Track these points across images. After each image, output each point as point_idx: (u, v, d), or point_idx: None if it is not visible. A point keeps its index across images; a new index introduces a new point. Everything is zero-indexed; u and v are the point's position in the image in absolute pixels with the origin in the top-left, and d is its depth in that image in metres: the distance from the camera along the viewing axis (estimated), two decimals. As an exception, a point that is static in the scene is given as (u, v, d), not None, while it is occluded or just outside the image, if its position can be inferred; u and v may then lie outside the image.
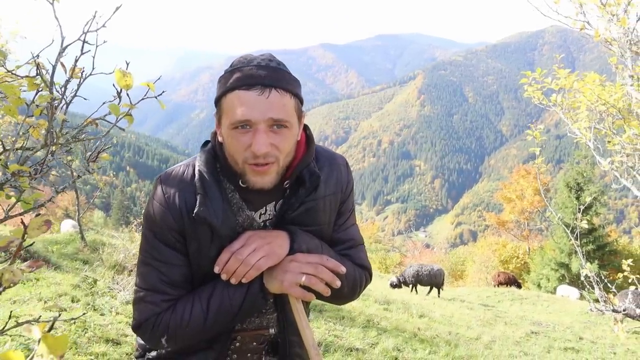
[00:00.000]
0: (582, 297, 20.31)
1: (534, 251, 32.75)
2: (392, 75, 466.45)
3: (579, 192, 26.90)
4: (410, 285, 15.65)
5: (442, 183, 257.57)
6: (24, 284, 5.16)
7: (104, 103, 1.56)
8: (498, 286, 22.19)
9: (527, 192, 35.89)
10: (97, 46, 1.37)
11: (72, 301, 5.09)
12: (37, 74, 1.18)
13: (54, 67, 1.25)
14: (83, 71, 1.44)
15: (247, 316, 1.39)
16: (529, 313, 13.22)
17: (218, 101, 1.28)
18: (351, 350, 5.40)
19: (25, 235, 0.72)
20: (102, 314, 4.87)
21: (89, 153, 1.34)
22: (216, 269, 1.32)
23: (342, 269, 1.38)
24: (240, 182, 1.32)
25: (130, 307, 5.19)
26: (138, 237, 5.68)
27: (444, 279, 15.91)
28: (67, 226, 11.35)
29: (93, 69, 1.40)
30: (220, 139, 1.34)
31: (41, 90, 1.26)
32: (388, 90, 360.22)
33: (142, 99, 1.15)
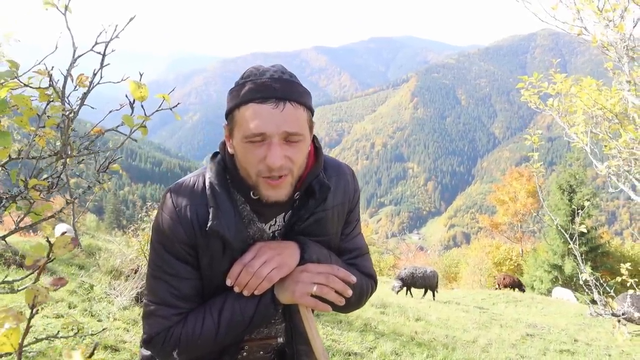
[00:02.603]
0: (580, 301, 20.42)
1: (527, 253, 32.89)
2: (385, 78, 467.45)
3: (571, 195, 27.08)
4: (404, 289, 15.65)
5: (435, 185, 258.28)
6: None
7: (110, 112, 1.56)
8: (502, 288, 22.27)
9: (520, 194, 36.06)
10: (104, 55, 1.37)
11: (69, 307, 5.06)
12: (49, 85, 1.17)
13: (66, 78, 1.25)
14: (91, 80, 1.43)
15: (258, 327, 1.39)
16: (524, 315, 13.26)
17: (230, 113, 1.27)
18: (349, 355, 5.40)
19: (51, 254, 0.72)
20: (99, 320, 4.84)
21: (100, 163, 1.33)
22: (228, 282, 1.32)
23: (353, 279, 1.39)
24: (252, 194, 1.31)
25: (127, 313, 5.17)
26: (134, 242, 5.66)
27: (437, 281, 15.93)
28: (61, 230, 11.30)
29: (101, 78, 1.40)
30: (231, 150, 1.33)
31: (52, 101, 1.25)
32: (381, 93, 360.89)
33: (157, 110, 1.15)
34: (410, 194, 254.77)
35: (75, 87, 1.43)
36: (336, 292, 1.35)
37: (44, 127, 1.21)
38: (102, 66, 1.15)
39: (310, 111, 1.30)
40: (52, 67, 1.19)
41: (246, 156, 1.23)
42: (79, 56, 1.24)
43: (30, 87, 1.17)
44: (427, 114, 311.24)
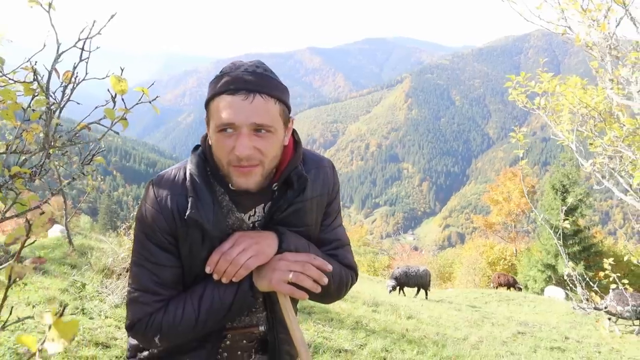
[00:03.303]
0: (567, 298, 20.59)
1: (521, 253, 33.04)
2: (379, 79, 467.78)
3: (564, 194, 27.23)
4: (397, 288, 15.73)
5: (430, 186, 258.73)
6: (12, 289, 5.14)
7: (96, 107, 1.60)
8: (497, 287, 22.40)
9: (514, 194, 36.26)
10: (89, 52, 1.41)
11: (61, 305, 5.08)
12: (34, 80, 1.22)
13: (50, 73, 1.29)
14: (76, 76, 1.47)
15: (238, 315, 1.44)
16: (516, 314, 13.35)
17: (207, 105, 1.33)
18: (340, 352, 5.45)
19: (30, 233, 0.76)
20: (91, 318, 4.86)
21: (84, 156, 1.37)
22: (207, 270, 1.36)
23: (329, 267, 1.43)
24: (230, 185, 1.36)
25: (119, 311, 5.19)
26: (127, 241, 5.68)
27: (430, 280, 16.03)
28: (54, 231, 11.27)
29: (86, 74, 1.44)
30: (210, 141, 1.38)
31: (37, 95, 1.30)
32: (375, 94, 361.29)
33: (137, 103, 1.19)
34: (405, 194, 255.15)
35: (62, 83, 1.47)
36: (313, 280, 1.41)
37: (29, 120, 1.25)
38: (81, 59, 1.19)
39: (285, 105, 1.35)
40: (36, 62, 1.24)
41: (218, 146, 1.29)
42: (63, 52, 1.28)
43: (16, 81, 1.21)
44: (421, 114, 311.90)
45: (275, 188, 1.42)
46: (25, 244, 0.78)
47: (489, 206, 42.27)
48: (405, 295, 15.98)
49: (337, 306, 7.75)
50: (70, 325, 0.55)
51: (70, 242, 7.73)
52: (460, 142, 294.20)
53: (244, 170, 1.27)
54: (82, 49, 1.20)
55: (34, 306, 4.88)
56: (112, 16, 1.20)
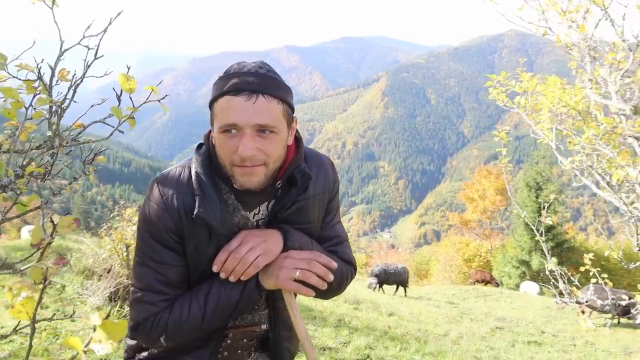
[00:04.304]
0: (541, 293, 21.02)
1: (496, 249, 33.55)
2: (356, 78, 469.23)
3: (538, 192, 27.76)
4: (377, 286, 15.84)
5: (406, 184, 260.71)
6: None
7: (92, 106, 1.58)
8: (475, 284, 22.71)
9: (488, 191, 36.74)
10: (96, 49, 1.39)
11: (41, 307, 4.99)
12: (37, 78, 1.20)
13: (53, 71, 1.27)
14: (74, 75, 1.45)
15: (243, 312, 1.44)
16: (493, 309, 13.57)
17: (211, 105, 1.33)
18: (324, 350, 5.47)
19: (55, 233, 0.76)
20: (72, 320, 4.79)
21: (86, 155, 1.36)
22: (214, 268, 1.36)
23: (334, 265, 1.45)
24: (234, 184, 1.37)
25: (101, 313, 5.12)
26: (108, 241, 5.60)
27: (408, 277, 16.20)
28: (28, 232, 11.05)
29: (85, 72, 1.42)
30: (214, 141, 1.39)
31: (39, 94, 1.28)
32: (352, 93, 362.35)
33: (145, 102, 1.18)
34: (381, 192, 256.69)
35: (57, 81, 1.45)
36: (318, 277, 1.42)
37: (31, 119, 1.23)
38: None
39: (288, 105, 1.35)
40: (42, 59, 1.22)
41: (222, 146, 1.29)
42: (66, 50, 1.27)
43: (18, 79, 1.19)
44: (397, 113, 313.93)
45: (279, 186, 1.43)
46: (50, 244, 0.77)
47: (464, 204, 42.78)
48: (384, 292, 16.10)
49: (319, 304, 7.78)
50: (118, 326, 0.56)
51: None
52: (436, 141, 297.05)
53: (247, 169, 1.28)
54: (88, 47, 1.19)
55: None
56: (119, 14, 1.19)
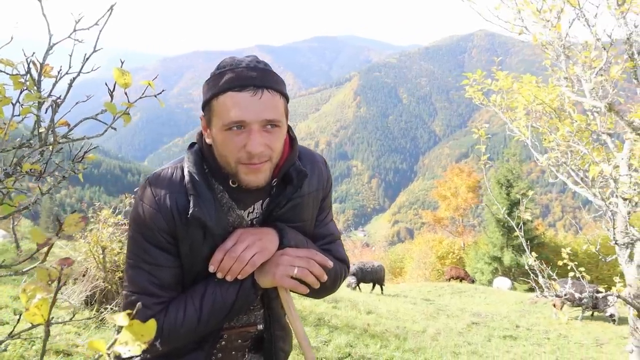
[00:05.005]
0: (514, 288, 21.45)
1: (468, 246, 34.08)
2: (328, 77, 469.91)
3: (509, 189, 28.33)
4: (356, 285, 15.92)
5: (379, 183, 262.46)
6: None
7: (77, 103, 1.54)
8: (450, 280, 23.01)
9: (461, 189, 37.30)
10: (76, 42, 1.35)
11: (14, 313, 4.86)
12: (26, 72, 1.16)
13: (42, 66, 1.23)
14: (59, 70, 1.41)
15: (239, 313, 1.41)
16: (469, 305, 13.78)
17: (208, 103, 1.30)
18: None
19: (60, 232, 0.73)
20: (7, 345, 4.67)
21: (75, 154, 1.32)
22: (211, 268, 1.34)
23: (330, 263, 1.45)
24: (230, 182, 1.35)
25: (77, 317, 5.01)
26: (83, 244, 5.47)
27: (384, 275, 16.33)
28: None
29: (70, 67, 1.38)
30: (209, 140, 1.36)
31: (25, 90, 1.24)
32: (325, 92, 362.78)
33: (141, 97, 1.16)
34: (354, 191, 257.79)
35: (42, 78, 1.41)
36: (314, 275, 1.41)
37: (19, 115, 1.19)
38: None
39: (286, 99, 1.35)
40: (33, 53, 1.18)
41: (226, 144, 1.26)
42: (55, 43, 1.23)
43: (5, 73, 1.15)
44: (370, 112, 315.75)
45: (274, 184, 1.42)
46: (53, 244, 0.75)
47: (436, 201, 43.32)
48: (361, 290, 16.17)
49: (299, 304, 7.76)
50: (147, 327, 0.54)
51: (18, 246, 7.37)
52: (408, 140, 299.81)
53: (254, 167, 1.26)
54: (78, 40, 1.16)
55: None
56: (112, 7, 1.16)
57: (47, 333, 0.61)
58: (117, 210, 5.89)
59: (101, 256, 5.39)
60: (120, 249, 5.48)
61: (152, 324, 0.54)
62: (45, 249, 0.75)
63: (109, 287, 5.45)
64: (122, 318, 0.53)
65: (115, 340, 0.54)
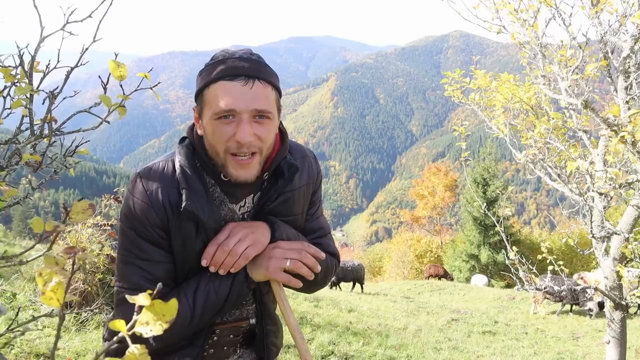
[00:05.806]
0: (490, 284, 21.76)
1: (446, 245, 34.44)
2: (305, 78, 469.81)
3: (485, 187, 28.73)
4: (337, 283, 16.00)
5: (357, 183, 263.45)
6: None
7: (64, 98, 1.52)
8: (429, 278, 23.20)
9: (438, 188, 37.67)
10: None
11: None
12: (19, 65, 1.15)
13: (33, 58, 1.22)
14: (48, 65, 1.40)
15: (233, 308, 1.41)
16: (448, 302, 13.94)
17: (199, 94, 1.30)
18: (289, 347, 5.46)
19: (68, 220, 0.73)
20: (27, 329, 4.59)
21: (66, 148, 1.31)
22: (204, 262, 1.33)
23: (322, 255, 1.46)
24: (222, 176, 1.35)
25: (56, 320, 4.93)
26: (62, 245, 5.38)
27: (364, 274, 16.44)
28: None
29: (58, 61, 1.37)
30: (200, 132, 1.36)
31: (17, 82, 1.23)
32: (302, 92, 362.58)
33: (136, 90, 1.15)
34: (332, 191, 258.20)
35: (32, 69, 1.39)
36: (307, 267, 1.42)
37: (10, 108, 1.18)
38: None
39: (278, 92, 1.36)
40: (27, 44, 1.17)
41: (215, 134, 1.26)
42: (47, 36, 1.22)
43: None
44: (347, 112, 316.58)
45: (266, 178, 1.42)
46: (61, 232, 0.75)
47: (414, 201, 43.62)
48: (341, 289, 16.23)
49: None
50: (169, 307, 0.54)
51: (-8, 249, 7.20)
52: (385, 139, 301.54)
53: (244, 162, 1.27)
54: (71, 33, 1.16)
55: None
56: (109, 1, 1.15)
57: (63, 317, 0.61)
58: (96, 211, 5.81)
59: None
60: (100, 250, 5.40)
61: (174, 303, 0.55)
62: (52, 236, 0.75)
63: (89, 289, 5.36)
64: (142, 298, 0.53)
65: (136, 322, 0.54)
